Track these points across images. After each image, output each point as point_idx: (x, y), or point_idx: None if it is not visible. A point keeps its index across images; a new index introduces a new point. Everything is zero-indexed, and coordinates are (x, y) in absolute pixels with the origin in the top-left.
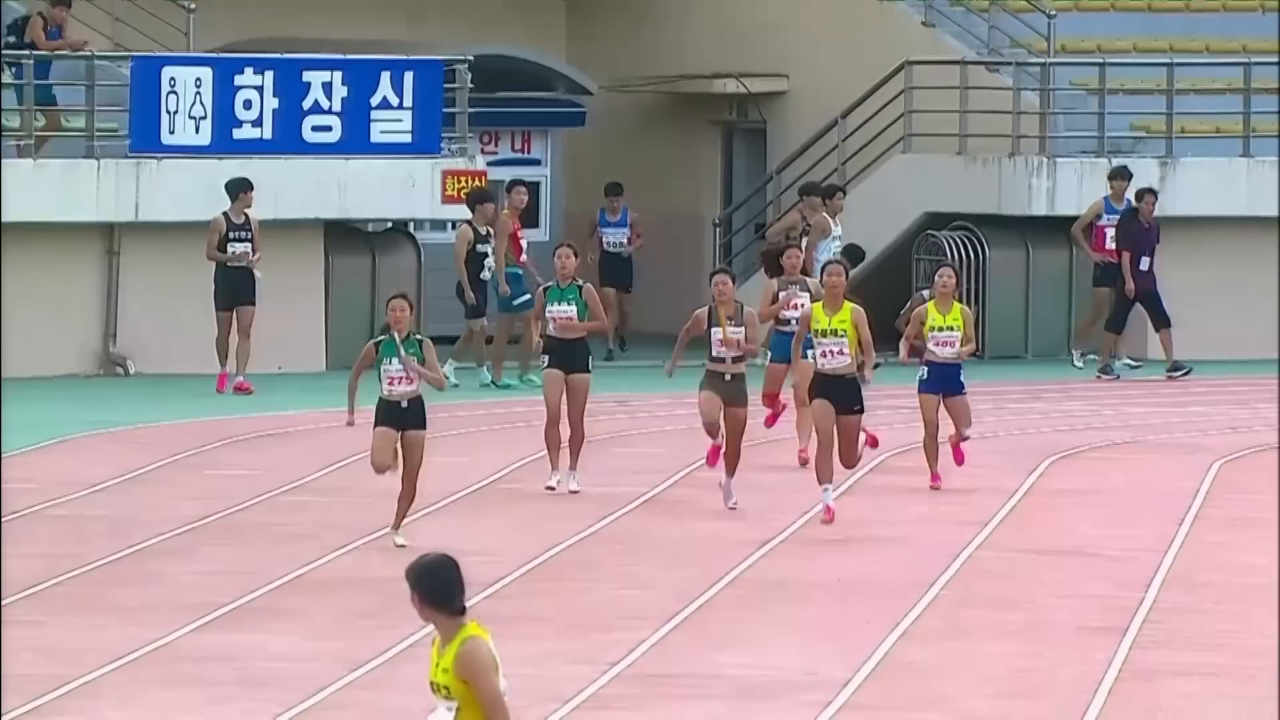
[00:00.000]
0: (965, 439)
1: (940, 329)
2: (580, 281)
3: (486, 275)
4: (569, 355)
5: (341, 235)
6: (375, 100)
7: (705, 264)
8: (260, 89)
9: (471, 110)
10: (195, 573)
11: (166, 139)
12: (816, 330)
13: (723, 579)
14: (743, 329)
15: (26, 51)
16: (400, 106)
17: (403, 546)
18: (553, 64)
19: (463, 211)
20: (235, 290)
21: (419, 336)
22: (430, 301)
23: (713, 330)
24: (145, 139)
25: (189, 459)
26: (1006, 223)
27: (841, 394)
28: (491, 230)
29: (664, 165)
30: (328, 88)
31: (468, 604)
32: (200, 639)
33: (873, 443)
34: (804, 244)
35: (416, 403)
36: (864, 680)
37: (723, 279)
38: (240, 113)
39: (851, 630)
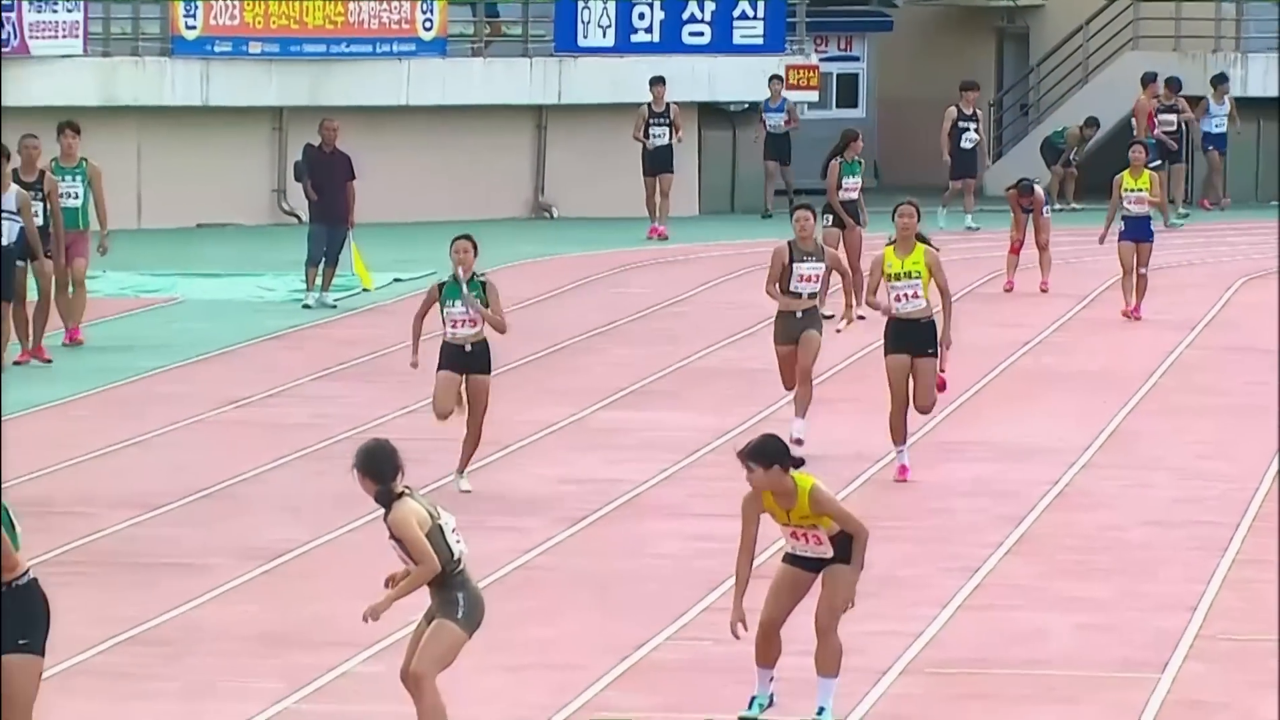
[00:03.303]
0: (1144, 280)
1: (1133, 190)
2: (860, 159)
3: (967, 144)
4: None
5: (710, 114)
6: (736, 12)
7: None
8: (651, 4)
9: (808, 20)
10: (603, 364)
11: (581, 41)
12: (889, 274)
13: (994, 370)
14: (822, 265)
15: None
16: (754, 16)
17: (467, 492)
18: None
19: (800, 96)
20: (657, 162)
21: (483, 278)
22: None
23: (794, 265)
24: (566, 42)
25: (599, 280)
26: None
27: (917, 337)
28: (977, 112)
29: (951, 61)
30: (700, 3)
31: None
32: (605, 414)
33: (942, 385)
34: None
35: (480, 346)
36: (1100, 446)
37: (805, 215)
38: (636, 22)
39: (1091, 408)
